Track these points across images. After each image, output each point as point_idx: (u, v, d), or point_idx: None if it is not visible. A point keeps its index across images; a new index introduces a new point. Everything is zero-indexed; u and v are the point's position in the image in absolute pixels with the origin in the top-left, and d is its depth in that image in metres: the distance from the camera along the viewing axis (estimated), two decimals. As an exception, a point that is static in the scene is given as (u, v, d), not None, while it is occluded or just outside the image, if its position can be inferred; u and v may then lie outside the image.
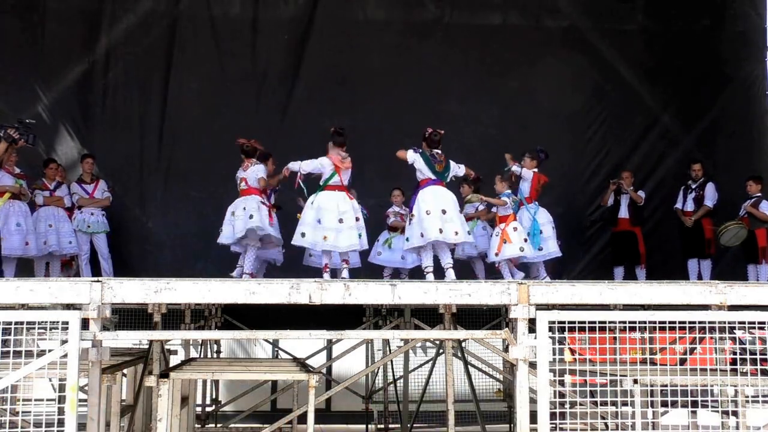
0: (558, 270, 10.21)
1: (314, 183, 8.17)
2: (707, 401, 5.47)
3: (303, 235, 7.91)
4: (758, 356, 5.55)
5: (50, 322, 5.51)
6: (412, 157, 8.23)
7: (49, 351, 5.20)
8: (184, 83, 12.05)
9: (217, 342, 11.17)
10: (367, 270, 9.49)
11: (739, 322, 5.63)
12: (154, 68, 12.04)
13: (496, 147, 10.24)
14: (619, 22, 12.62)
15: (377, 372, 11.30)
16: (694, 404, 5.39)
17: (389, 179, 10.44)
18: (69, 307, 5.52)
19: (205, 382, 10.69)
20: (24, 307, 6.29)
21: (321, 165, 8.03)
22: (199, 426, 10.49)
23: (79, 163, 11.06)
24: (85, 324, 5.25)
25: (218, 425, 11.08)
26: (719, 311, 5.66)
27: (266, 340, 11.59)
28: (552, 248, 9.45)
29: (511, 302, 5.60)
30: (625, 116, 12.40)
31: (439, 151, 8.27)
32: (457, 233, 8.03)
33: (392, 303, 5.78)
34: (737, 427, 5.54)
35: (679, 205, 11.21)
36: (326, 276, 7.87)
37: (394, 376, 11.03)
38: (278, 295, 5.59)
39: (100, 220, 10.46)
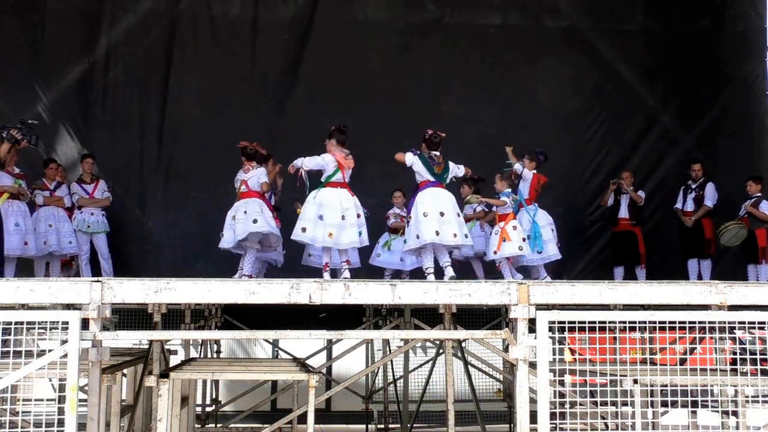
0: (558, 270, 10.21)
1: (315, 179, 8.15)
2: (707, 401, 5.47)
3: (303, 230, 7.89)
4: (758, 356, 5.55)
5: (50, 322, 5.50)
6: (411, 159, 8.23)
7: (49, 351, 5.20)
8: (184, 83, 12.06)
9: (217, 342, 11.16)
10: (367, 271, 9.48)
11: (739, 322, 5.63)
12: (154, 68, 12.05)
13: (496, 147, 10.22)
14: (619, 22, 12.63)
15: (377, 372, 11.30)
16: (694, 404, 5.39)
17: (389, 179, 10.45)
18: (69, 307, 5.52)
19: (205, 382, 10.69)
20: (24, 307, 6.29)
21: (324, 162, 8.00)
22: (199, 426, 10.49)
23: (79, 163, 11.07)
24: (85, 324, 5.25)
25: (218, 425, 11.07)
26: (719, 311, 5.66)
27: (266, 340, 11.59)
28: (551, 251, 9.44)
29: (511, 302, 5.60)
30: (625, 116, 12.41)
31: (438, 153, 8.26)
32: (455, 235, 8.02)
33: (392, 303, 5.77)
34: (737, 427, 5.54)
35: (679, 205, 11.22)
36: (326, 275, 7.86)
37: (394, 376, 11.02)
38: (278, 295, 5.59)
39: (100, 220, 10.47)
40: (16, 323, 5.08)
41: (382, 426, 11.25)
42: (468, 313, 10.11)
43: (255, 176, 8.75)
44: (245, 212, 8.53)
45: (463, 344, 8.43)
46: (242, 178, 8.80)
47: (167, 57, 12.04)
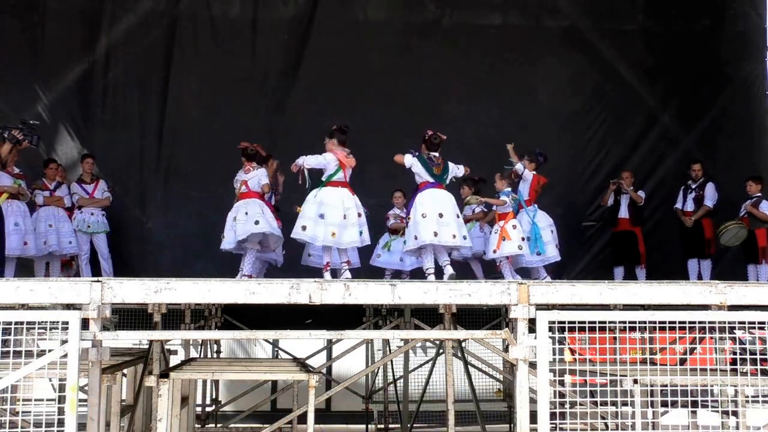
0: (558, 270, 10.20)
1: (315, 178, 8.14)
2: (707, 401, 5.47)
3: (304, 228, 7.86)
4: (758, 356, 5.55)
5: (50, 322, 5.50)
6: (410, 161, 8.22)
7: (49, 351, 5.20)
8: (184, 83, 12.06)
9: (217, 342, 11.16)
10: (367, 271, 9.48)
11: (739, 322, 5.63)
12: (154, 68, 12.05)
13: (496, 147, 10.22)
14: (619, 22, 12.63)
15: (377, 372, 11.30)
16: (694, 404, 5.38)
17: (389, 179, 10.44)
18: (69, 307, 5.52)
19: (205, 382, 10.69)
20: (24, 307, 6.29)
21: (325, 161, 7.99)
22: (199, 426, 10.49)
23: (79, 163, 11.08)
24: (85, 324, 5.25)
25: (218, 425, 11.07)
26: (719, 311, 5.66)
27: (266, 340, 11.59)
28: (551, 253, 9.43)
29: (511, 302, 5.60)
30: (625, 116, 12.41)
31: (437, 154, 8.26)
32: (454, 236, 8.01)
33: (392, 303, 5.77)
34: (737, 427, 5.54)
35: (679, 205, 11.22)
36: (327, 275, 7.85)
37: (394, 376, 11.02)
38: (278, 295, 5.59)
39: (100, 220, 10.47)
40: (16, 323, 5.08)
41: (382, 426, 11.25)
42: (468, 313, 10.11)
43: (255, 177, 8.75)
44: (246, 213, 8.54)
45: (463, 344, 8.43)
46: (242, 178, 8.80)
47: (167, 57, 12.04)
